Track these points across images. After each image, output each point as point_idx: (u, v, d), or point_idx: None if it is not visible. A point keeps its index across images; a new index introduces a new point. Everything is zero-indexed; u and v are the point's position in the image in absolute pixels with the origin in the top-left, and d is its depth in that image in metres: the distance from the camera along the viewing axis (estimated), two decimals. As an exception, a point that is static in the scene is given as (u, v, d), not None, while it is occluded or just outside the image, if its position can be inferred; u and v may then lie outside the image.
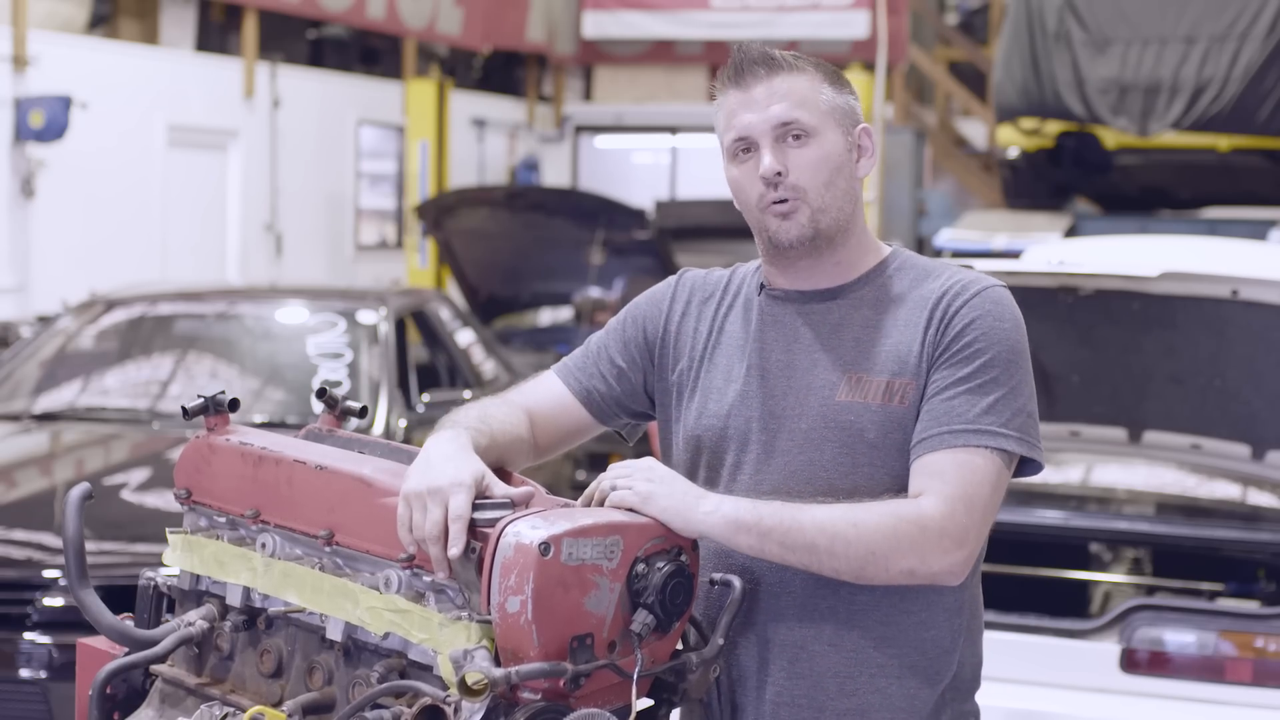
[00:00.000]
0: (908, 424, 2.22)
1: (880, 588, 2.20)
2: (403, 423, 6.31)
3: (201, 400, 2.39)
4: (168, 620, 2.37)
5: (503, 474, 2.21)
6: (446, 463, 2.09)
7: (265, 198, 14.08)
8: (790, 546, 2.13)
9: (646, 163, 19.73)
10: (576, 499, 2.17)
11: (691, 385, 2.38)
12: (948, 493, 2.15)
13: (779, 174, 2.24)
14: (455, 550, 2.01)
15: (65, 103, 11.05)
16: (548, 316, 11.89)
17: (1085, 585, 4.74)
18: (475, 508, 2.05)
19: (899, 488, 2.22)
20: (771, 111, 2.25)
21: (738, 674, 2.29)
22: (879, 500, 2.18)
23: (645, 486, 2.12)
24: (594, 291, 11.26)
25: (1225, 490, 4.81)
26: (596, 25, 18.61)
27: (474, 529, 2.04)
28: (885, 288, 2.31)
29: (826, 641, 2.24)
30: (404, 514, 2.06)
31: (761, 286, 2.37)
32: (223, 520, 2.35)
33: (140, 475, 5.66)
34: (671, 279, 2.49)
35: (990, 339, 2.22)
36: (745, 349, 2.34)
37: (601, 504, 2.13)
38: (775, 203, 2.26)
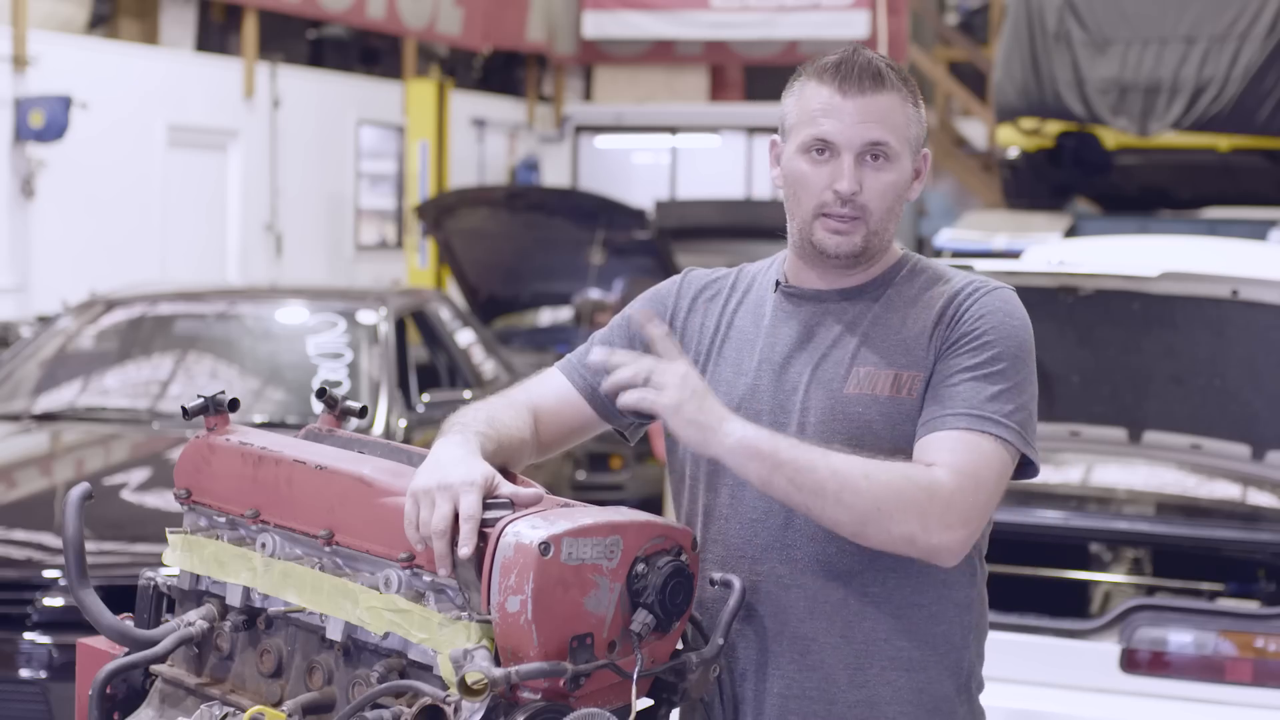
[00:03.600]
0: (915, 417, 2.23)
1: (892, 580, 2.21)
2: (403, 423, 6.31)
3: (201, 400, 2.39)
4: (168, 620, 2.37)
5: (507, 475, 2.21)
6: (457, 464, 2.09)
7: (265, 198, 14.08)
8: (799, 485, 2.13)
9: (646, 163, 19.73)
10: (577, 499, 2.17)
11: (699, 380, 2.38)
12: (959, 467, 2.16)
13: (855, 193, 2.25)
14: (466, 550, 2.01)
15: (65, 103, 11.05)
16: (548, 317, 11.89)
17: (1085, 585, 4.74)
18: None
19: None
20: (867, 129, 2.24)
21: (743, 667, 2.29)
22: (894, 460, 2.17)
23: (676, 394, 2.13)
24: (593, 293, 11.26)
25: (1225, 490, 4.80)
26: (596, 25, 18.61)
27: (474, 528, 2.04)
28: (899, 288, 2.32)
29: (838, 634, 2.25)
30: (411, 510, 2.06)
31: (777, 283, 2.38)
32: (223, 520, 2.35)
33: (140, 475, 5.66)
34: (676, 277, 2.49)
35: (1000, 332, 2.24)
36: (756, 344, 2.34)
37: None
38: (836, 216, 2.26)
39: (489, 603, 1.99)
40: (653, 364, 2.16)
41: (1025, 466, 2.25)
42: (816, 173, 2.27)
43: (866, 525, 2.14)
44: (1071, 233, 10.41)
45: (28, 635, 4.66)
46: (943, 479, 2.14)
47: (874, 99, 2.24)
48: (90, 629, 2.34)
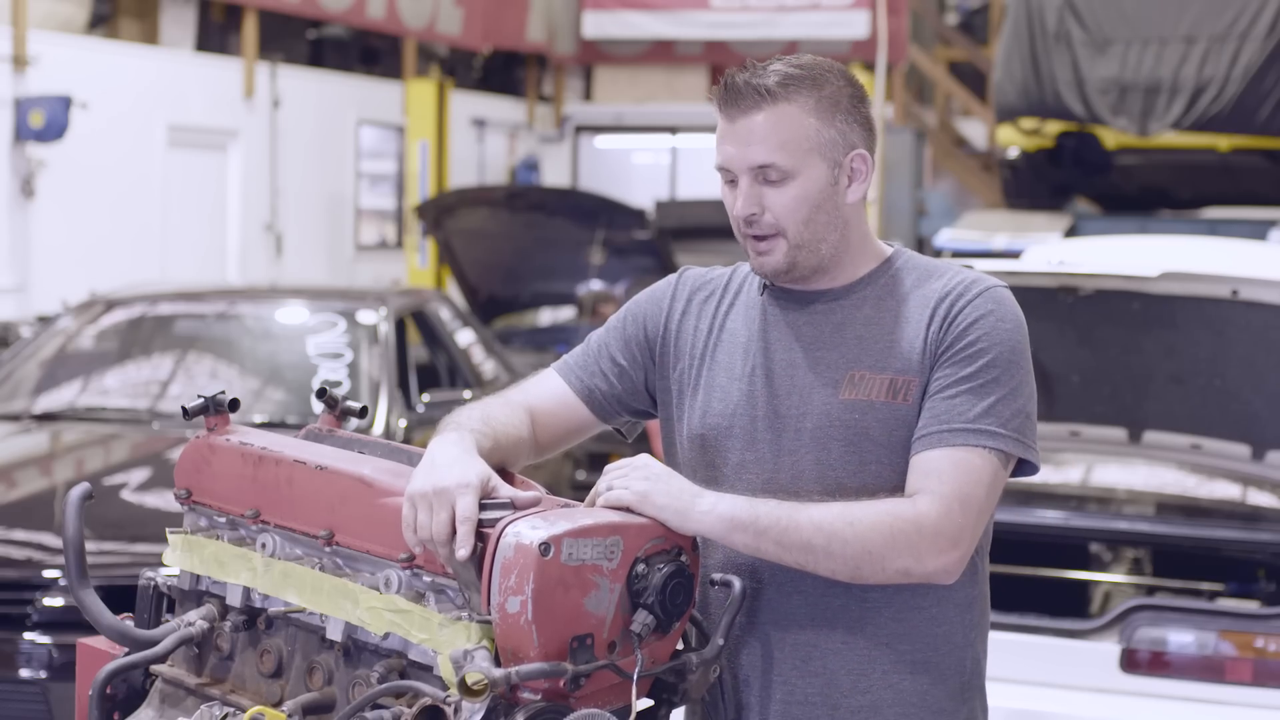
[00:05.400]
0: (912, 422, 2.22)
1: (892, 585, 2.21)
2: (403, 423, 6.31)
3: (201, 400, 2.38)
4: (168, 620, 2.37)
5: (505, 474, 2.20)
6: (452, 465, 2.08)
7: (265, 198, 14.08)
8: (786, 545, 2.13)
9: (646, 163, 19.73)
10: (578, 500, 2.17)
11: (694, 383, 2.37)
12: (944, 492, 2.16)
13: (754, 214, 2.25)
14: (464, 552, 2.01)
15: (65, 103, 11.05)
16: (548, 316, 11.89)
17: (1085, 585, 4.74)
18: (479, 509, 2.04)
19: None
20: (749, 152, 2.23)
21: (746, 673, 2.29)
22: (875, 499, 2.18)
23: (641, 485, 2.12)
24: (596, 284, 11.26)
25: (1225, 490, 4.80)
26: (596, 25, 18.61)
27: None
28: (888, 287, 2.31)
29: (839, 639, 2.25)
30: (409, 515, 2.06)
31: (765, 286, 2.37)
32: (223, 520, 2.35)
33: (140, 475, 5.66)
34: (672, 277, 2.49)
35: (992, 339, 2.22)
36: (749, 348, 2.34)
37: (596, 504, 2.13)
38: (752, 237, 2.27)
39: (489, 603, 1.99)
40: (614, 469, 2.16)
41: (1025, 463, 2.25)
42: (730, 197, 2.29)
43: (861, 569, 2.14)
44: (1071, 233, 10.42)
45: (28, 635, 4.65)
46: (927, 508, 2.15)
47: (754, 119, 2.22)
48: (90, 629, 2.34)
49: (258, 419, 6.04)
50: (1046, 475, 4.75)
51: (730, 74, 2.25)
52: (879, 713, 2.24)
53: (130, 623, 2.36)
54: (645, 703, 2.16)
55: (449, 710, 1.97)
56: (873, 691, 2.25)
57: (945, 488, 2.16)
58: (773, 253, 2.26)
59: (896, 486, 2.22)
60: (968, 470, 2.17)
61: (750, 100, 2.22)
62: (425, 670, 2.07)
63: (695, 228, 12.82)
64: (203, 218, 13.44)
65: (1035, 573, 4.52)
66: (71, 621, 4.44)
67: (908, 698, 2.25)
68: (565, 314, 11.66)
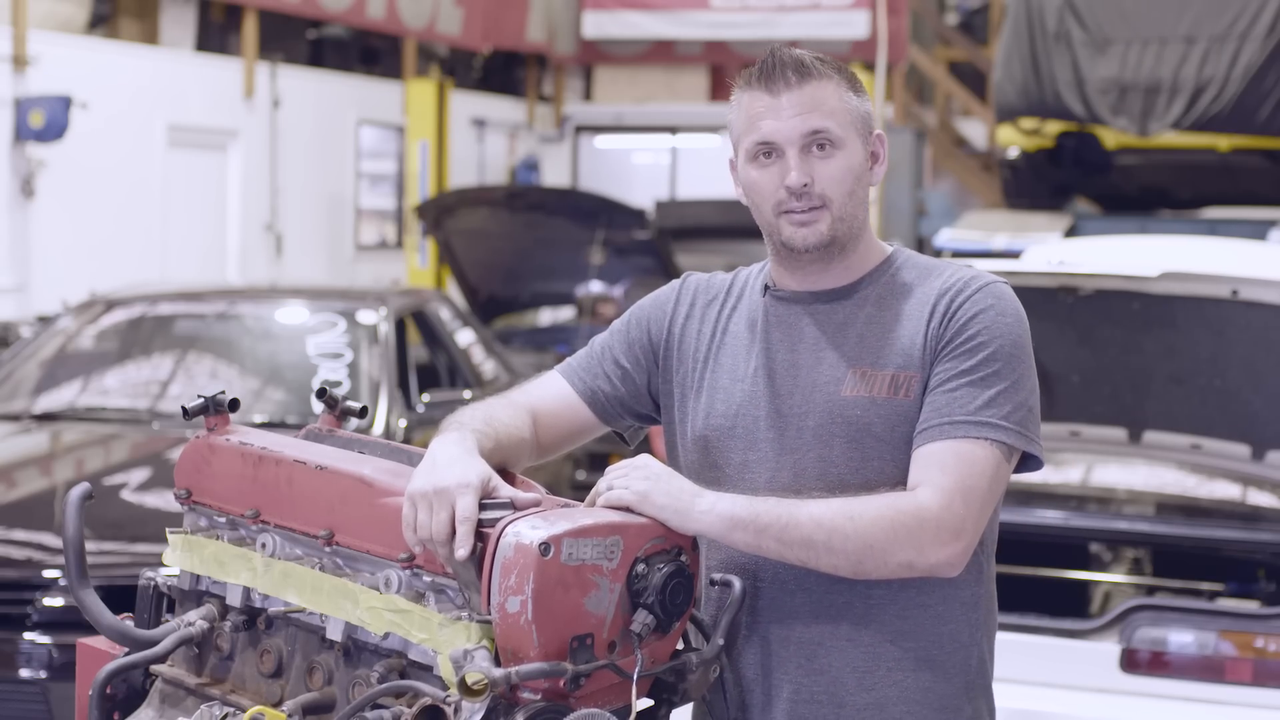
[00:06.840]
0: (914, 417, 2.23)
1: (896, 582, 2.21)
2: (403, 423, 6.31)
3: (201, 400, 2.39)
4: (168, 620, 2.37)
5: (506, 475, 2.21)
6: (453, 464, 2.08)
7: (265, 198, 14.08)
8: (787, 542, 2.13)
9: (646, 163, 19.73)
10: (578, 499, 2.17)
11: (697, 386, 2.38)
12: (945, 484, 2.16)
13: (806, 185, 2.25)
14: (463, 552, 2.01)
15: (65, 103, 11.05)
16: (548, 316, 11.89)
17: (1085, 585, 4.74)
18: (479, 509, 2.05)
19: None
20: (800, 120, 2.24)
21: (751, 673, 2.29)
22: (876, 493, 2.18)
23: (641, 485, 2.12)
24: (595, 286, 11.26)
25: (1225, 490, 4.80)
26: (596, 25, 18.61)
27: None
28: (889, 286, 2.32)
29: (844, 637, 2.25)
30: (409, 514, 2.06)
31: (765, 288, 2.38)
32: (223, 520, 2.35)
33: (140, 475, 5.66)
34: (675, 282, 2.50)
35: (993, 332, 2.23)
36: (751, 350, 2.34)
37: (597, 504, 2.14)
38: (796, 210, 2.26)
39: (489, 603, 1.99)
40: (614, 470, 2.16)
41: (1029, 458, 2.26)
42: (767, 176, 2.28)
43: (863, 563, 2.15)
44: (1071, 233, 10.41)
45: (28, 635, 4.66)
46: (928, 500, 2.15)
47: (803, 90, 2.25)
48: (90, 629, 2.34)
49: (258, 419, 6.04)
50: (1046, 475, 4.75)
51: (769, 53, 2.28)
52: (884, 710, 2.25)
53: (130, 623, 2.36)
54: (645, 703, 2.16)
55: (449, 710, 1.97)
56: (878, 689, 2.25)
57: (946, 480, 2.16)
58: (817, 223, 2.26)
59: (899, 482, 2.22)
60: (969, 462, 2.17)
61: (796, 73, 2.26)
62: (425, 670, 2.07)
63: (695, 228, 12.82)
64: (203, 218, 13.44)
65: (1035, 573, 4.52)
66: (71, 621, 4.44)
67: (912, 695, 2.25)
68: (565, 314, 11.66)
